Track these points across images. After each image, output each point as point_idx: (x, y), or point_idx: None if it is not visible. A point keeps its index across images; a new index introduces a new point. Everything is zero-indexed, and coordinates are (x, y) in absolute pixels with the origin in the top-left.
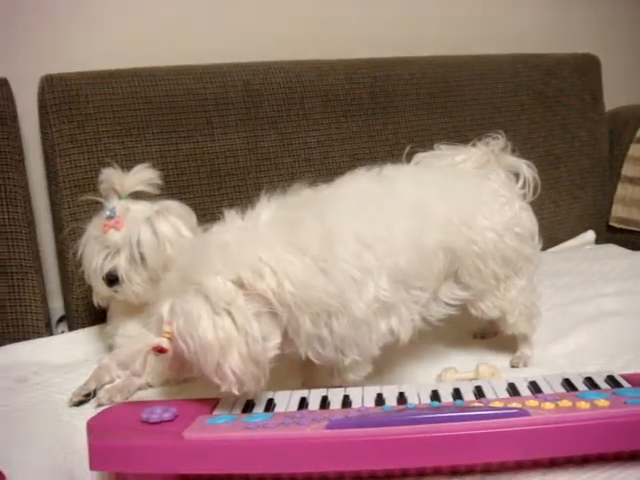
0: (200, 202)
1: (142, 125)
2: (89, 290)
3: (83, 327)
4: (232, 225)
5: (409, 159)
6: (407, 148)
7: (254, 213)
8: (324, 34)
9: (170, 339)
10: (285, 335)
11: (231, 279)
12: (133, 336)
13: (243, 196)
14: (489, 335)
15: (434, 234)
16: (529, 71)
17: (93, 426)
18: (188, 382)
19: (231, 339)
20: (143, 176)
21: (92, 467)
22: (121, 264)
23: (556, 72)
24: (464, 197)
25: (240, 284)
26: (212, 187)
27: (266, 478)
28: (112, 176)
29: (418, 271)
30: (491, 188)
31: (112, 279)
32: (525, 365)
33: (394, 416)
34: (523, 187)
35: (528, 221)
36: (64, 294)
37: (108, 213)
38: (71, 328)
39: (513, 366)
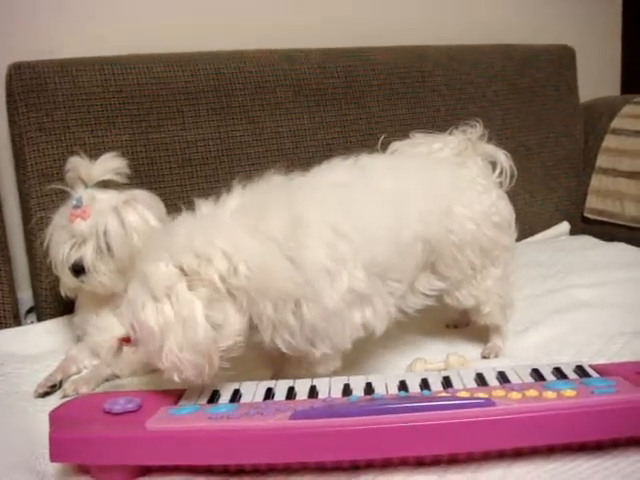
0: (171, 192)
1: (112, 114)
2: (57, 280)
3: (52, 318)
4: (199, 213)
5: (385, 148)
6: (382, 137)
7: (222, 201)
8: (297, 23)
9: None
10: (251, 322)
11: (174, 265)
12: (103, 327)
13: (214, 186)
14: (461, 325)
15: (412, 225)
16: (504, 62)
17: (55, 417)
18: (156, 372)
19: (169, 325)
20: (110, 165)
21: (52, 459)
22: (87, 254)
23: (531, 63)
24: (442, 185)
25: (183, 270)
26: (183, 177)
27: (229, 469)
28: (78, 165)
29: (395, 263)
30: (468, 176)
31: (78, 269)
32: (496, 356)
33: (359, 406)
34: (500, 176)
35: (505, 210)
36: (33, 285)
37: (74, 202)
38: (40, 319)
39: (484, 357)
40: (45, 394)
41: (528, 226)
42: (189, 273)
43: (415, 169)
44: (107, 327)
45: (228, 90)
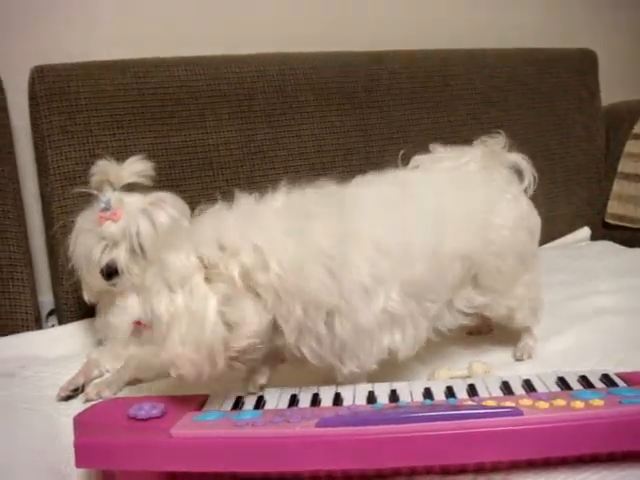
0: (192, 195)
1: (134, 117)
2: (79, 284)
3: (73, 321)
4: (237, 205)
5: (405, 162)
6: (401, 152)
7: (265, 199)
8: (318, 26)
9: None
10: (275, 325)
11: (195, 255)
12: (122, 308)
13: (235, 189)
14: (484, 331)
15: (452, 242)
16: (525, 66)
17: (80, 422)
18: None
19: (176, 316)
20: (137, 168)
21: (78, 464)
22: (121, 256)
23: (552, 67)
24: (477, 199)
25: (203, 262)
26: (204, 180)
27: (255, 476)
28: (106, 168)
29: (432, 282)
30: (498, 187)
31: (111, 272)
32: (529, 356)
33: (385, 414)
34: (524, 183)
35: (533, 216)
36: (54, 288)
37: (103, 205)
38: (61, 322)
39: (517, 359)
40: (68, 397)
41: (548, 231)
42: (208, 266)
43: (450, 185)
44: (128, 307)
45: (250, 94)
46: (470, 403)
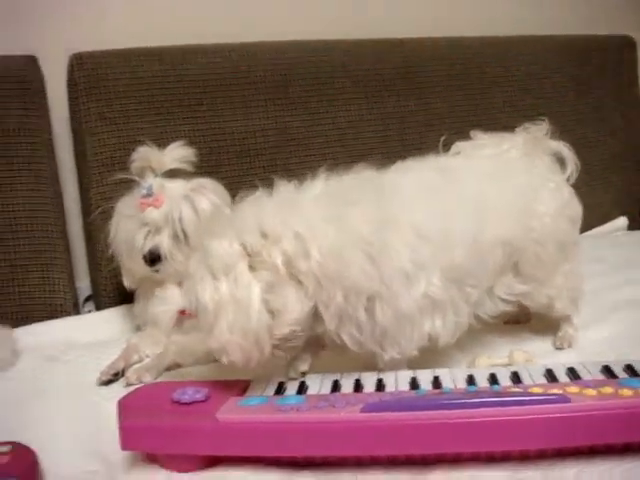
0: (229, 182)
1: (171, 104)
2: (118, 270)
3: (110, 307)
4: (277, 193)
5: (446, 148)
6: (442, 137)
7: (305, 186)
8: (355, 13)
9: None
10: (315, 312)
11: (239, 243)
12: (164, 297)
13: (272, 176)
14: (522, 320)
15: (493, 229)
16: (563, 53)
17: (124, 406)
18: (217, 361)
19: (223, 304)
20: (179, 153)
21: (124, 447)
22: (164, 242)
23: (590, 54)
24: (519, 186)
25: (246, 249)
26: (241, 167)
27: (298, 460)
28: (148, 154)
29: (473, 267)
30: (540, 174)
31: (154, 258)
32: (570, 345)
33: (430, 400)
34: (567, 171)
35: (575, 205)
36: (91, 274)
37: (145, 191)
38: (98, 308)
39: (557, 348)
40: (108, 382)
41: (585, 220)
42: (252, 254)
43: (492, 171)
44: (169, 298)
45: (286, 80)
46: (516, 390)
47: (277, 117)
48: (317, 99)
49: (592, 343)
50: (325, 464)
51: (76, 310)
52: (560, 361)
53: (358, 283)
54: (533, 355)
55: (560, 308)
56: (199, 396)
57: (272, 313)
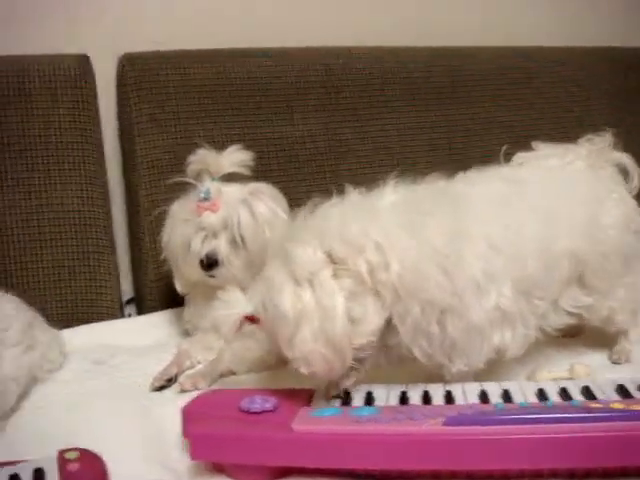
0: (278, 188)
1: (222, 107)
2: (164, 273)
3: (154, 310)
4: (348, 200)
5: (507, 159)
6: (503, 148)
7: (377, 194)
8: (404, 20)
9: None
10: (389, 324)
11: (324, 250)
12: (228, 301)
13: (321, 182)
14: (576, 333)
15: (561, 241)
16: (610, 64)
17: (189, 413)
18: (272, 370)
19: (306, 312)
20: (238, 157)
21: (194, 457)
22: (222, 246)
23: (637, 66)
24: (585, 197)
25: (331, 257)
26: (290, 172)
27: (375, 473)
28: (207, 156)
29: (541, 279)
30: (605, 186)
31: (211, 262)
32: (627, 360)
33: (515, 414)
34: (632, 182)
35: (639, 216)
36: (134, 276)
37: (202, 195)
38: (140, 311)
39: (614, 362)
40: (161, 388)
41: None
42: (337, 261)
43: (559, 182)
44: (233, 302)
45: (337, 86)
46: (596, 405)
47: (327, 123)
48: (367, 105)
49: None
50: (401, 477)
51: (122, 312)
52: (620, 376)
53: (434, 296)
54: (593, 369)
55: (620, 321)
56: (268, 405)
57: (352, 322)
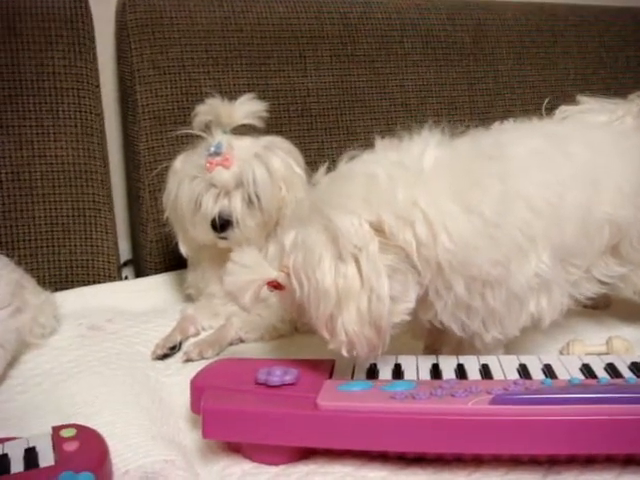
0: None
1: (230, 54)
2: (165, 234)
3: (153, 273)
4: (384, 157)
5: (548, 112)
6: (546, 100)
7: (412, 149)
8: None
9: (288, 275)
10: (423, 299)
11: (369, 221)
12: (247, 265)
13: (334, 139)
14: (601, 306)
15: (604, 207)
16: (637, 25)
17: (199, 386)
18: (284, 338)
19: (351, 291)
20: (252, 108)
21: (206, 435)
22: (237, 206)
23: None
24: (631, 162)
25: (379, 229)
26: (302, 127)
27: (407, 455)
28: (218, 107)
29: (579, 246)
30: None
31: (224, 223)
32: None
33: (570, 392)
34: None
35: None
36: (133, 237)
37: (213, 149)
38: (139, 273)
39: None
40: (164, 356)
41: None
42: (387, 235)
43: (605, 142)
44: (253, 265)
45: (353, 37)
46: None
47: (342, 76)
48: (384, 59)
49: None
50: (437, 460)
51: (120, 275)
52: None
53: (483, 270)
54: (633, 345)
55: None
56: (288, 378)
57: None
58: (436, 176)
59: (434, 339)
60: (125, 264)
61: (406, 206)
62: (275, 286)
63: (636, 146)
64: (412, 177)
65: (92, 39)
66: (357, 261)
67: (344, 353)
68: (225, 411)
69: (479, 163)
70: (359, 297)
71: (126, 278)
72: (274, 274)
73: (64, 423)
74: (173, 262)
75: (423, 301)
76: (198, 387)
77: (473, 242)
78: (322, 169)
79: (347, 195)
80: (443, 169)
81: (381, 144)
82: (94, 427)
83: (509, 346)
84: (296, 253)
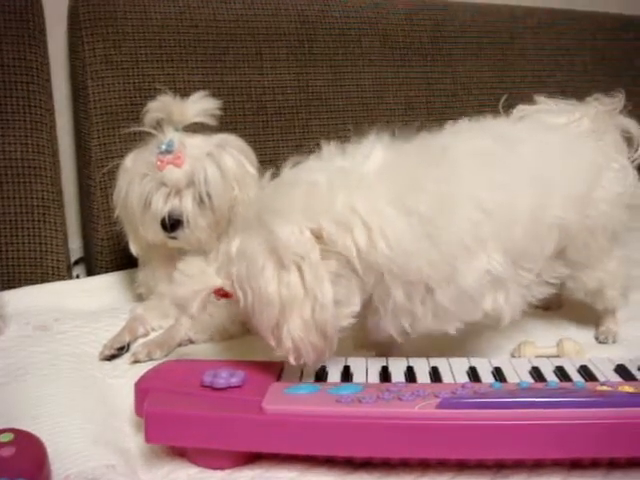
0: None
1: (185, 50)
2: (116, 232)
3: (104, 272)
4: (330, 162)
5: (505, 110)
6: (502, 99)
7: (359, 153)
8: None
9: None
10: (368, 303)
11: (310, 228)
12: (192, 274)
13: (290, 137)
14: (554, 307)
15: (554, 211)
16: (595, 30)
17: (143, 389)
18: (234, 339)
19: (295, 299)
20: (204, 105)
21: (149, 439)
22: (187, 206)
23: (622, 33)
24: (583, 165)
25: (320, 236)
26: (257, 125)
27: (354, 460)
28: (170, 104)
29: (530, 249)
30: (607, 153)
31: (174, 223)
32: (614, 341)
33: (518, 397)
34: (635, 152)
35: (638, 190)
36: (84, 234)
37: (164, 147)
38: (89, 272)
39: (601, 342)
40: (112, 357)
41: None
42: (326, 242)
43: (558, 144)
44: (197, 275)
45: (311, 35)
46: (605, 388)
47: (298, 74)
48: (342, 57)
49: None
50: (384, 464)
51: (70, 273)
52: (609, 354)
53: (422, 274)
54: (584, 347)
55: (610, 297)
56: (235, 380)
57: (335, 305)
58: (377, 181)
59: (384, 347)
60: (77, 262)
61: (345, 212)
62: (222, 294)
63: (586, 151)
64: (353, 183)
65: (43, 32)
66: (300, 269)
67: (291, 361)
68: (168, 414)
69: (422, 167)
70: (303, 305)
71: (77, 276)
72: (219, 282)
73: (5, 427)
74: (125, 260)
75: (368, 306)
76: (142, 389)
77: (410, 247)
78: (267, 174)
79: (288, 204)
80: (385, 174)
81: (327, 149)
82: (36, 431)
83: (464, 346)
84: (239, 263)
